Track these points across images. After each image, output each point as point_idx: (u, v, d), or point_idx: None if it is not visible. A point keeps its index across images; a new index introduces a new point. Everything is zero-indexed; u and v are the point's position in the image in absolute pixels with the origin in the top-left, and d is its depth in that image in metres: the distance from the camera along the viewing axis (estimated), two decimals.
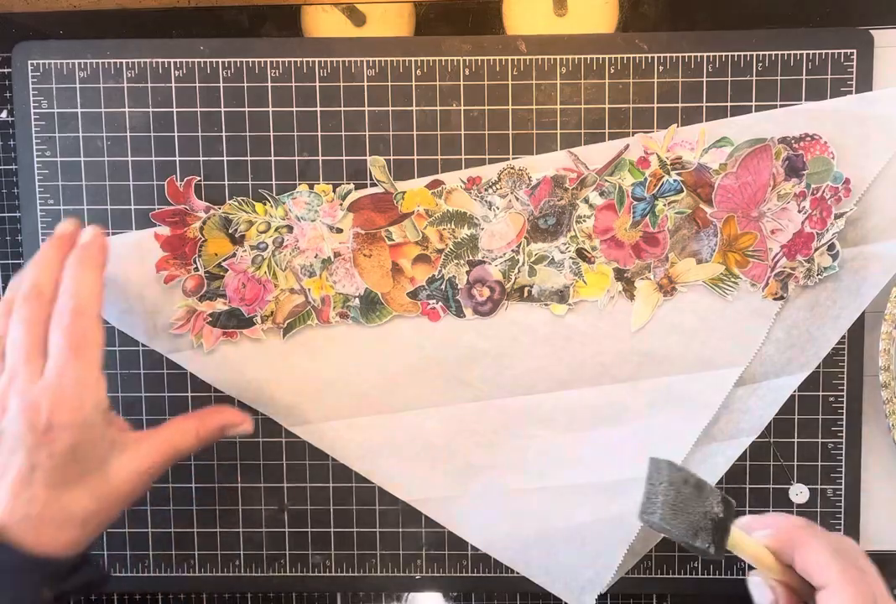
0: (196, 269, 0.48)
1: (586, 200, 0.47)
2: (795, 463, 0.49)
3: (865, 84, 0.47)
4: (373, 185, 0.48)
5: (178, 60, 0.48)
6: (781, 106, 0.48)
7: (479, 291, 0.47)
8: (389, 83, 0.48)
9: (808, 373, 0.47)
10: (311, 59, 0.48)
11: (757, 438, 0.48)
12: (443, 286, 0.48)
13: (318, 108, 0.49)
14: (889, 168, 0.46)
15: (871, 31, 0.47)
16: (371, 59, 0.48)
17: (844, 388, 0.49)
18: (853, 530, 0.50)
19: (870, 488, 0.50)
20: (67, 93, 0.49)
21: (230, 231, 0.48)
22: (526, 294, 0.48)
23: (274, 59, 0.48)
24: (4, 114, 0.50)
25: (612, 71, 0.48)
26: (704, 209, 0.47)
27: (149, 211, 0.49)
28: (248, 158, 0.49)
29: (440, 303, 0.48)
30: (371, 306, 0.48)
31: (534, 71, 0.48)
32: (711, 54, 0.48)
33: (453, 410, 0.48)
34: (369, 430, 0.48)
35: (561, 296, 0.48)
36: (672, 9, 0.49)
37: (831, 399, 0.49)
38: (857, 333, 0.49)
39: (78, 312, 0.39)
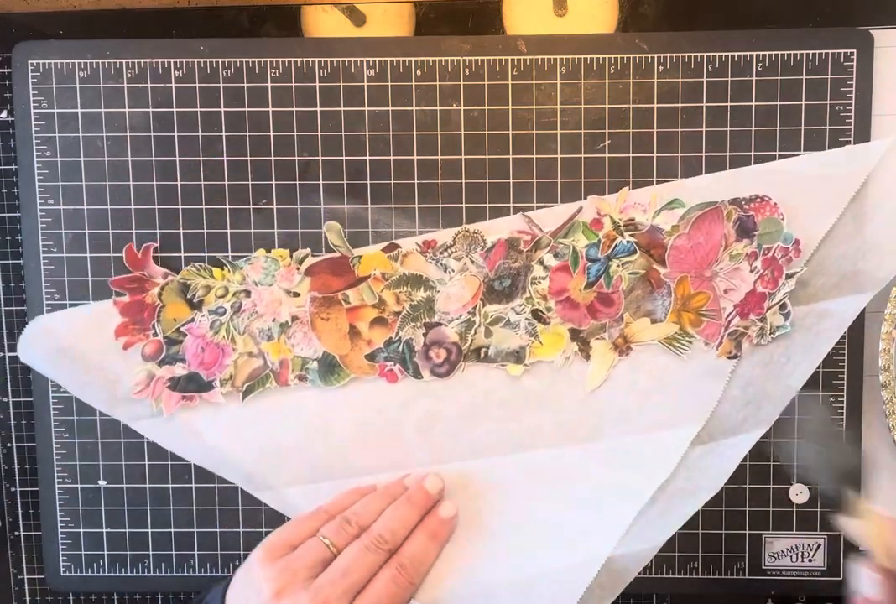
0: (155, 334, 0.48)
1: (541, 262, 0.48)
2: (795, 463, 0.49)
3: (865, 84, 0.47)
4: (329, 249, 0.49)
5: (178, 60, 0.48)
6: (781, 106, 0.48)
7: (436, 353, 0.48)
8: (389, 83, 0.48)
9: (765, 429, 0.47)
10: (311, 59, 0.48)
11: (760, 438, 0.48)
12: (400, 348, 0.48)
13: (318, 108, 0.49)
14: (836, 228, 0.47)
15: (871, 31, 0.47)
16: (371, 59, 0.48)
17: (844, 388, 0.49)
18: None
19: (870, 488, 0.50)
20: (67, 93, 0.49)
21: (188, 296, 0.48)
22: (483, 355, 0.48)
23: (274, 59, 0.48)
24: (4, 114, 0.50)
25: (612, 71, 0.48)
26: (658, 270, 0.47)
27: (149, 211, 0.49)
28: (248, 158, 0.49)
29: (398, 365, 0.48)
30: (329, 369, 0.48)
31: (534, 71, 0.48)
32: (711, 54, 0.48)
33: (406, 481, 0.48)
34: (330, 495, 0.48)
35: (517, 357, 0.48)
36: (672, 9, 0.49)
37: (831, 399, 0.49)
38: (857, 333, 0.49)
39: (409, 580, 0.43)
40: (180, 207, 0.49)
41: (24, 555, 0.53)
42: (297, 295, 0.48)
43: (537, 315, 0.48)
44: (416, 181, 0.49)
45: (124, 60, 0.48)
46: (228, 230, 0.49)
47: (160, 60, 0.48)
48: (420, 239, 0.48)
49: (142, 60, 0.48)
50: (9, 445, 0.52)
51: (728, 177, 0.47)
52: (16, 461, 0.52)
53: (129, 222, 0.49)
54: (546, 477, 0.48)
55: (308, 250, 0.48)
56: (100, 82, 0.49)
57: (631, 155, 0.48)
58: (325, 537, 0.42)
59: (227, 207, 0.49)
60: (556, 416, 0.48)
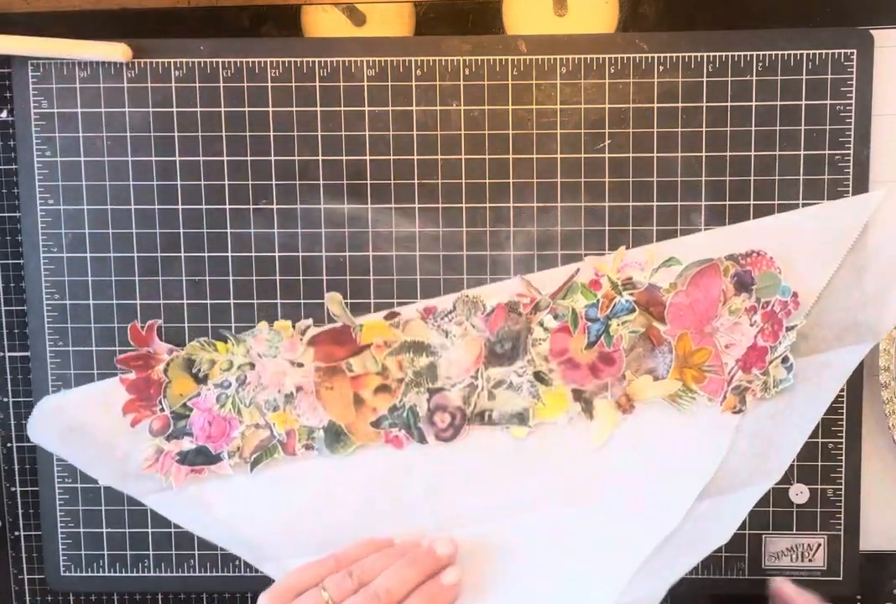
0: (162, 409, 0.49)
1: (541, 324, 0.48)
2: (795, 463, 0.49)
3: (865, 84, 0.47)
4: (331, 320, 0.49)
5: (178, 60, 0.48)
6: (781, 106, 0.48)
7: (441, 418, 0.48)
8: (389, 83, 0.48)
9: (775, 481, 0.47)
10: (311, 59, 0.48)
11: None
12: (404, 414, 0.48)
13: (318, 108, 0.49)
14: (835, 280, 0.47)
15: (871, 31, 0.47)
16: (371, 59, 0.48)
17: (844, 388, 0.49)
18: (853, 530, 0.50)
19: (870, 488, 0.50)
20: (67, 93, 0.49)
21: (194, 371, 0.49)
22: (487, 418, 0.48)
23: (274, 59, 0.48)
24: (4, 114, 0.50)
25: (612, 71, 0.48)
26: (658, 327, 0.47)
27: (149, 211, 0.49)
28: (248, 158, 0.49)
29: (403, 431, 0.48)
30: (336, 437, 0.48)
31: (534, 71, 0.48)
32: (711, 54, 0.48)
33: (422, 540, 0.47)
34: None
35: (521, 418, 0.48)
36: (672, 9, 0.49)
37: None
38: None
39: None
40: (180, 206, 0.49)
41: (24, 555, 0.53)
42: (301, 365, 0.48)
43: (539, 377, 0.48)
44: (416, 181, 0.49)
45: (124, 60, 0.48)
46: (228, 230, 0.49)
47: (160, 60, 0.48)
48: (420, 305, 0.49)
49: (142, 60, 0.48)
50: (9, 445, 0.52)
51: (723, 233, 0.48)
52: (16, 461, 0.52)
53: (129, 222, 0.49)
54: (554, 535, 0.48)
55: (310, 321, 0.49)
56: (100, 82, 0.49)
57: (631, 155, 0.48)
58: (325, 589, 0.42)
59: (227, 207, 0.49)
60: (563, 476, 0.48)
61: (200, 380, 0.49)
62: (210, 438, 0.48)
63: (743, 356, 0.47)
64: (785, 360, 0.47)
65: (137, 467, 0.49)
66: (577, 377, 0.48)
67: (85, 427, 0.48)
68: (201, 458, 0.49)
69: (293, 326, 0.49)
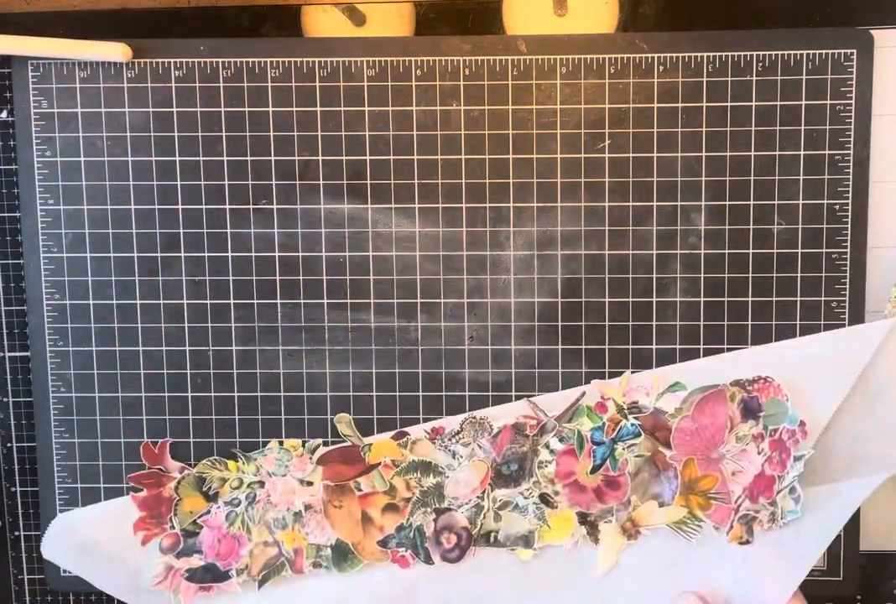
0: (172, 527, 0.49)
1: (547, 446, 0.48)
2: None
3: (865, 84, 0.47)
4: (340, 440, 0.49)
5: (178, 60, 0.48)
6: (781, 106, 0.48)
7: (447, 538, 0.48)
8: (389, 83, 0.48)
9: None
10: (311, 59, 0.48)
11: None
12: (411, 534, 0.48)
13: (318, 108, 0.49)
14: (844, 408, 0.46)
15: (871, 31, 0.47)
16: (371, 59, 0.48)
17: None
18: (853, 530, 0.50)
19: None
20: (67, 93, 0.49)
21: (204, 489, 0.49)
22: (492, 540, 0.48)
23: (274, 59, 0.48)
24: (4, 114, 0.50)
25: (612, 71, 0.48)
26: (664, 452, 0.47)
27: (148, 211, 0.49)
28: (248, 158, 0.49)
29: (409, 550, 0.49)
30: (343, 556, 0.49)
31: (534, 71, 0.48)
32: (711, 54, 0.48)
33: None
34: None
35: (526, 541, 0.48)
36: (672, 9, 0.49)
37: None
38: None
39: None
40: (180, 206, 0.49)
41: (24, 555, 0.53)
42: (310, 484, 0.49)
43: (545, 499, 0.48)
44: (416, 181, 0.49)
45: (124, 60, 0.48)
46: (228, 230, 0.49)
47: (160, 60, 0.48)
48: (428, 426, 0.49)
49: (142, 60, 0.48)
50: (9, 445, 0.52)
51: (730, 359, 0.47)
52: (16, 461, 0.52)
53: (129, 222, 0.49)
54: None
55: (320, 441, 0.49)
56: (100, 82, 0.49)
57: (631, 155, 0.48)
58: None
59: (227, 207, 0.49)
60: (567, 600, 0.48)
61: (210, 497, 0.49)
62: (219, 555, 0.49)
63: (750, 485, 0.46)
64: (793, 490, 0.45)
65: (148, 583, 0.49)
66: (583, 501, 0.48)
67: (98, 544, 0.49)
68: (210, 575, 0.49)
69: (303, 446, 0.49)
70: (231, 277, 0.50)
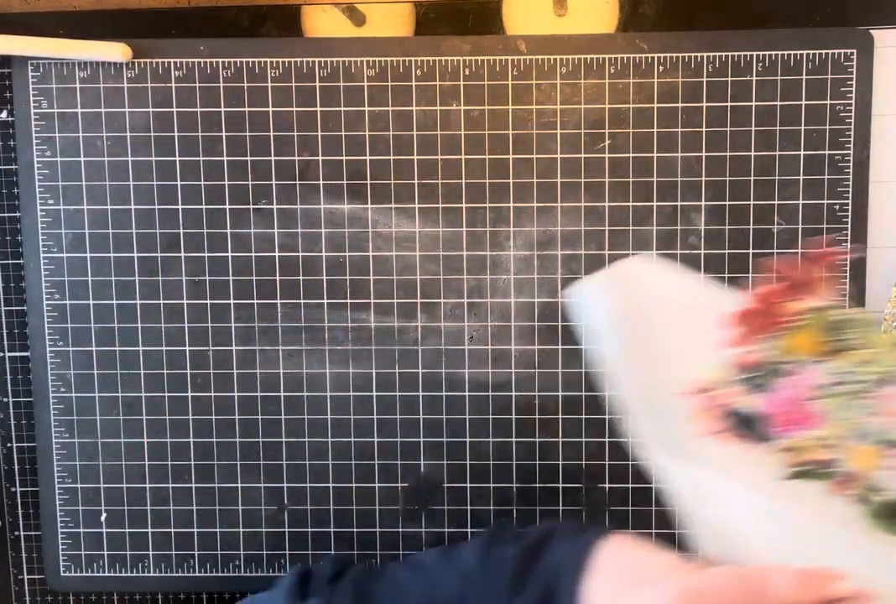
0: (760, 349, 0.38)
1: None
2: None
3: (865, 84, 0.47)
4: None
5: (178, 60, 0.48)
6: (781, 106, 0.48)
7: None
8: (389, 83, 0.48)
9: None
10: (311, 59, 0.48)
11: None
12: None
13: (318, 109, 0.49)
14: None
15: (871, 31, 0.47)
16: (371, 59, 0.48)
17: None
18: None
19: None
20: (67, 93, 0.49)
21: (830, 338, 0.37)
22: None
23: (274, 59, 0.48)
24: (4, 114, 0.50)
25: (612, 71, 0.48)
26: None
27: (149, 211, 0.49)
28: (248, 158, 0.49)
29: None
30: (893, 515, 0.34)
31: (534, 71, 0.48)
32: (711, 54, 0.48)
33: None
34: None
35: None
36: (672, 9, 0.49)
37: None
38: None
39: None
40: (180, 207, 0.49)
41: (24, 555, 0.53)
42: None
43: None
44: (416, 181, 0.49)
45: (124, 60, 0.48)
46: (228, 230, 0.49)
47: (160, 60, 0.48)
48: None
49: (142, 60, 0.48)
50: (9, 445, 0.52)
51: None
52: (16, 461, 0.52)
53: (129, 222, 0.49)
54: None
55: None
56: (100, 82, 0.49)
57: (631, 155, 0.48)
58: None
59: (227, 207, 0.49)
60: None
61: (826, 354, 0.37)
62: (777, 416, 0.37)
63: None
64: None
65: (675, 385, 0.38)
66: None
67: (649, 310, 0.39)
68: (748, 428, 0.38)
69: None
70: (231, 277, 0.50)
